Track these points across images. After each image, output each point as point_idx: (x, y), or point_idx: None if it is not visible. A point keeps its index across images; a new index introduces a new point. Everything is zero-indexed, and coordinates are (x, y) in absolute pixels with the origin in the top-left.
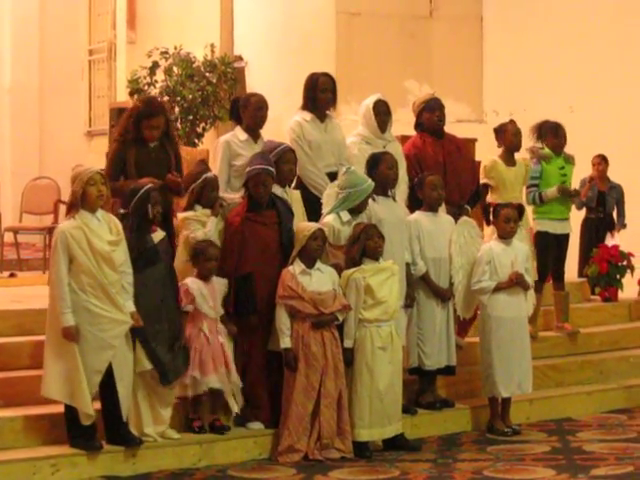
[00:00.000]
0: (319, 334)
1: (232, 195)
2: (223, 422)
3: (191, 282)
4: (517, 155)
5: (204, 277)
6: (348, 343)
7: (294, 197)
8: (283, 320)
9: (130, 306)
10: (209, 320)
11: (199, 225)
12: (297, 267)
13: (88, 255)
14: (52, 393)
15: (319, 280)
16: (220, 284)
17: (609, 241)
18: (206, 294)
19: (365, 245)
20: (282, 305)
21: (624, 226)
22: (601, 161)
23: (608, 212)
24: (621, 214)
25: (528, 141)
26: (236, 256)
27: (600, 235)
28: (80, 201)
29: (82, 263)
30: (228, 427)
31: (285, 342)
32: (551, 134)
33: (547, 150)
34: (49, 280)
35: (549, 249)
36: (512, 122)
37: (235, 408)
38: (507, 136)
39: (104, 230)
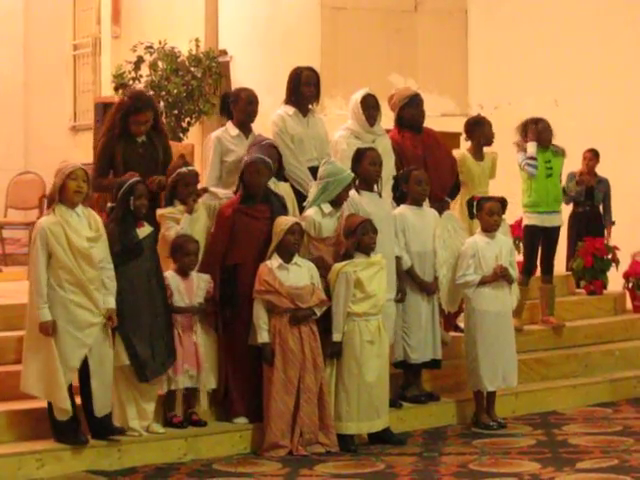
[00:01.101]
0: (296, 329)
1: (225, 190)
2: (199, 417)
3: (170, 276)
4: (485, 149)
5: (183, 272)
6: (337, 336)
7: (284, 189)
8: (260, 315)
9: (109, 302)
10: (183, 317)
11: (173, 223)
12: (274, 261)
13: (66, 251)
14: (30, 388)
15: (296, 274)
16: (201, 280)
17: (607, 240)
18: (182, 290)
19: (360, 240)
20: (259, 300)
21: (613, 223)
22: (593, 156)
23: (596, 206)
24: (607, 210)
25: (514, 137)
26: (224, 246)
27: (588, 229)
28: (58, 194)
29: (60, 259)
30: (204, 422)
31: (263, 337)
32: (532, 129)
33: (530, 145)
34: (28, 275)
35: (537, 243)
36: (481, 116)
37: (204, 406)
38: (484, 129)
39: (83, 226)
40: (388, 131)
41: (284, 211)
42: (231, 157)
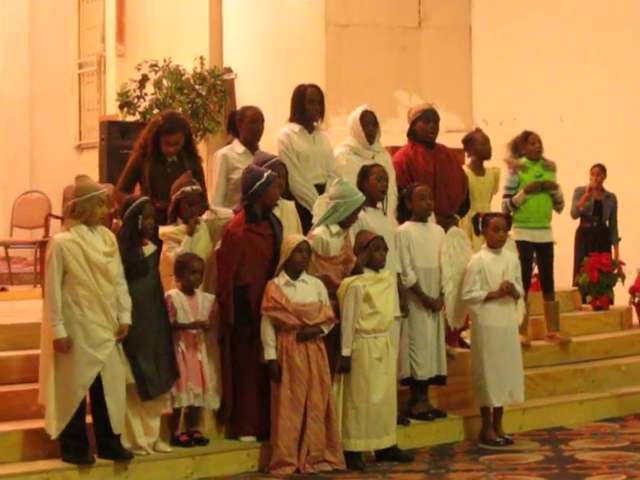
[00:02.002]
0: (303, 346)
1: (225, 210)
2: (202, 435)
3: (175, 294)
4: (486, 164)
5: (188, 290)
6: (346, 351)
7: (289, 208)
8: (268, 332)
9: (125, 318)
10: (188, 335)
11: (174, 243)
12: (282, 279)
13: (83, 267)
14: (46, 402)
15: (303, 291)
16: (206, 299)
17: (615, 258)
18: (187, 308)
19: (372, 256)
20: (267, 317)
21: (619, 240)
22: (600, 171)
23: (603, 221)
24: (613, 226)
25: (506, 153)
26: (236, 267)
27: (596, 244)
28: (85, 217)
29: (77, 275)
30: (207, 440)
31: (270, 354)
32: (523, 143)
33: (523, 159)
34: (43, 292)
35: (529, 258)
36: (478, 130)
37: (208, 426)
38: (475, 145)
39: (99, 241)
40: (394, 148)
41: (281, 227)
42: (237, 174)
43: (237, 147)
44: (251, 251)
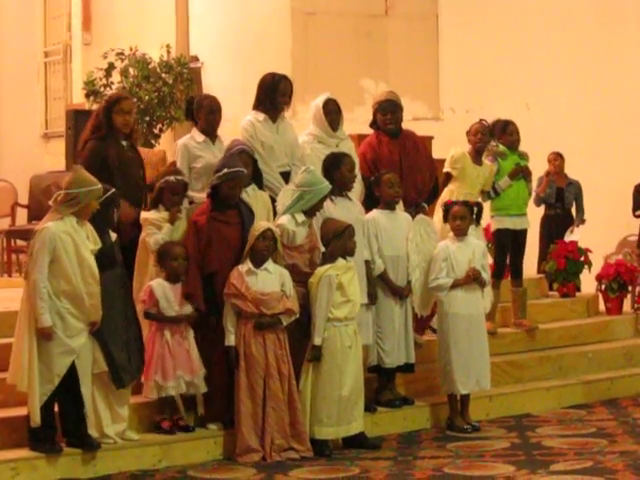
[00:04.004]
0: (260, 336)
1: (201, 195)
2: (187, 422)
3: (156, 284)
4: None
5: (172, 278)
6: (318, 340)
7: (262, 198)
8: (229, 318)
9: (93, 309)
10: (172, 325)
11: (155, 229)
12: (245, 266)
13: (72, 260)
14: (18, 382)
15: (265, 280)
16: None
17: (568, 237)
18: (171, 297)
19: (346, 244)
20: (228, 303)
21: (583, 221)
22: (557, 157)
23: (567, 208)
24: (580, 209)
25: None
26: (201, 255)
27: (559, 231)
28: (78, 208)
29: (63, 268)
30: (192, 427)
31: (229, 340)
32: (501, 132)
33: (502, 147)
34: (26, 277)
35: (508, 246)
36: (478, 122)
37: (201, 411)
38: (469, 137)
39: (84, 237)
40: (360, 136)
41: (252, 216)
42: (199, 163)
43: (197, 136)
44: (216, 239)
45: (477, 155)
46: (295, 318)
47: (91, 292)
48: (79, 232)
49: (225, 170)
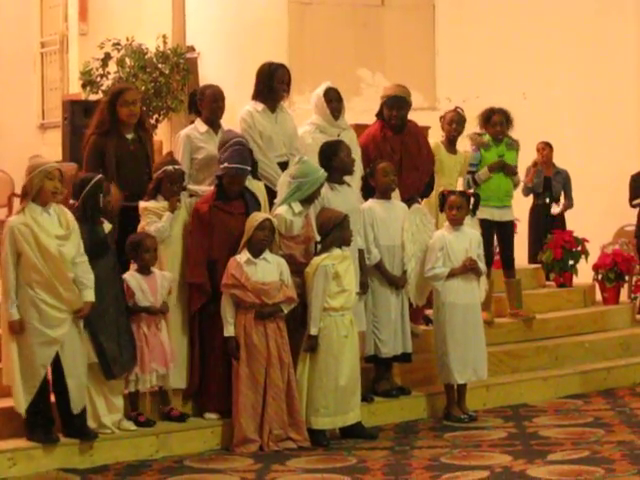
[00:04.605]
0: (262, 325)
1: (205, 188)
2: (180, 411)
3: (129, 277)
4: (461, 146)
5: (143, 270)
6: (314, 330)
7: (258, 187)
8: (227, 309)
9: (88, 295)
10: (148, 317)
11: (155, 217)
12: (243, 256)
13: (34, 251)
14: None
15: (264, 270)
16: (164, 279)
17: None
18: (146, 289)
19: (343, 233)
20: (227, 294)
21: (571, 205)
22: (545, 146)
23: (555, 197)
24: (569, 196)
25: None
26: (206, 242)
27: (548, 220)
28: (34, 193)
29: (29, 259)
30: (187, 416)
31: (228, 331)
32: (485, 122)
33: (487, 137)
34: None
35: (490, 236)
36: (454, 110)
37: (172, 404)
38: (443, 123)
39: (53, 224)
40: (357, 126)
41: (258, 207)
42: (201, 154)
43: (200, 126)
44: (218, 228)
45: (450, 144)
46: (294, 306)
47: (62, 279)
48: (41, 220)
49: (225, 164)
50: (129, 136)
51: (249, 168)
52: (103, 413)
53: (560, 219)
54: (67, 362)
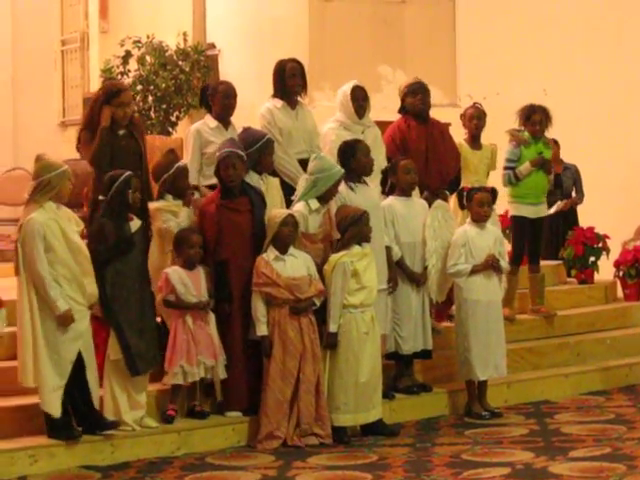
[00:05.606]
0: (296, 320)
1: (209, 182)
2: (203, 408)
3: (172, 271)
4: (485, 140)
5: (188, 265)
6: (333, 327)
7: (273, 184)
8: (259, 308)
9: (93, 290)
10: (193, 310)
11: (171, 215)
12: (271, 254)
13: (63, 246)
14: (31, 383)
15: (293, 266)
16: (206, 273)
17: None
18: (189, 283)
19: (362, 230)
20: (257, 293)
21: (581, 200)
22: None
23: (566, 193)
24: (579, 190)
25: (505, 125)
26: (214, 242)
27: (561, 217)
28: (54, 193)
29: (58, 254)
30: (208, 412)
31: (261, 330)
32: (525, 120)
33: (526, 134)
34: (17, 271)
35: (525, 233)
36: (473, 106)
37: (219, 397)
38: (464, 121)
39: (70, 221)
40: (377, 123)
41: (263, 203)
42: (211, 148)
43: (210, 122)
44: (227, 227)
45: (474, 140)
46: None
47: (87, 273)
48: (62, 216)
49: (217, 154)
50: (120, 132)
51: (241, 152)
52: (125, 410)
53: (572, 215)
54: (87, 358)
